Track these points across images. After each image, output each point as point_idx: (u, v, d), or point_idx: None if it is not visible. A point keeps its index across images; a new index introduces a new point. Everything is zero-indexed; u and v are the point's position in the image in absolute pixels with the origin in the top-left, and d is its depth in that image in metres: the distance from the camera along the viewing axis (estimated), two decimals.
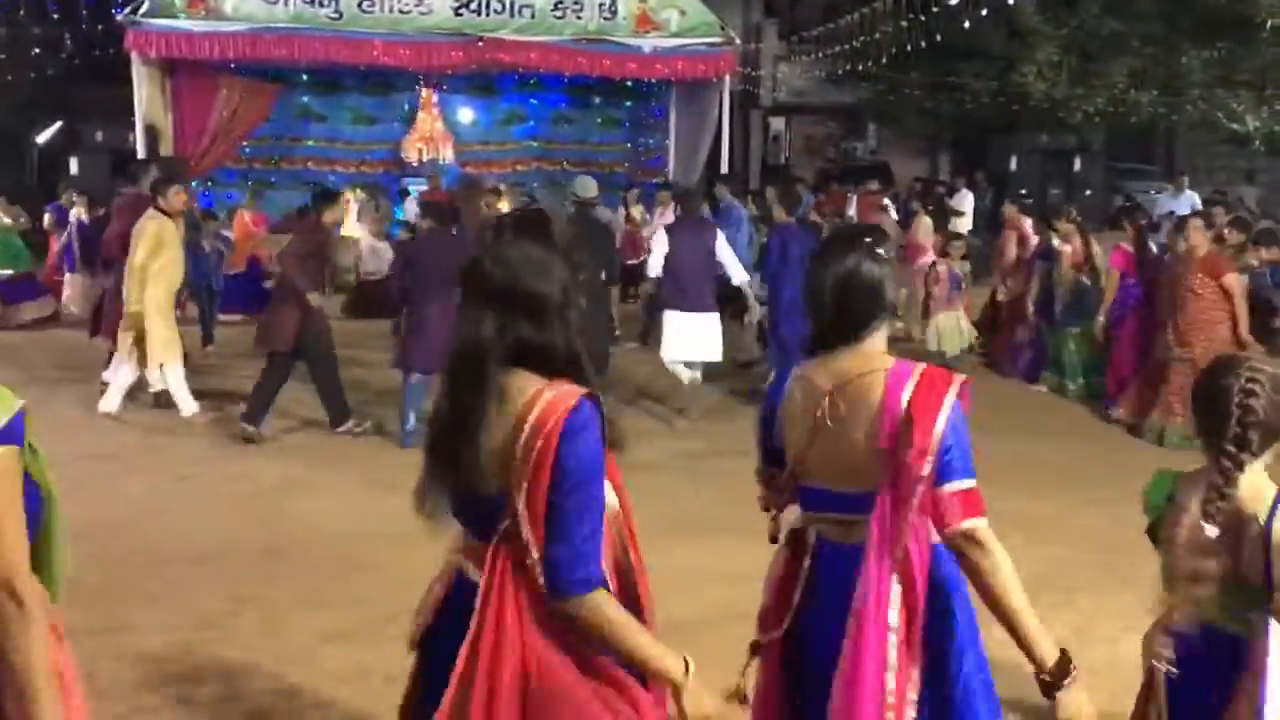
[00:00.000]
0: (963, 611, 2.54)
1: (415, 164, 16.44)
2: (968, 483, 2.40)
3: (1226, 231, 8.87)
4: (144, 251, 8.16)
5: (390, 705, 4.19)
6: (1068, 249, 9.53)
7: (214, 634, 4.80)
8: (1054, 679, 2.36)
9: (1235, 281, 7.88)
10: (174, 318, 8.56)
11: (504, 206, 12.62)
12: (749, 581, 5.62)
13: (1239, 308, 7.84)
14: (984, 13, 14.73)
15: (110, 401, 8.59)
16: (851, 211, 15.81)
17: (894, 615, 2.42)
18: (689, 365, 8.94)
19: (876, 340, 2.59)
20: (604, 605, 2.12)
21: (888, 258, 2.61)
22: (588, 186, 9.54)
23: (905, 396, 2.43)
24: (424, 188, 15.37)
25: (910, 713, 2.43)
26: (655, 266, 9.06)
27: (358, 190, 15.45)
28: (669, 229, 9.14)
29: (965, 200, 17.42)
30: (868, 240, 2.62)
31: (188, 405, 8.49)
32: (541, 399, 2.15)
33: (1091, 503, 6.81)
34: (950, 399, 2.43)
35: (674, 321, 8.82)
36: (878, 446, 2.44)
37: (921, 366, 2.51)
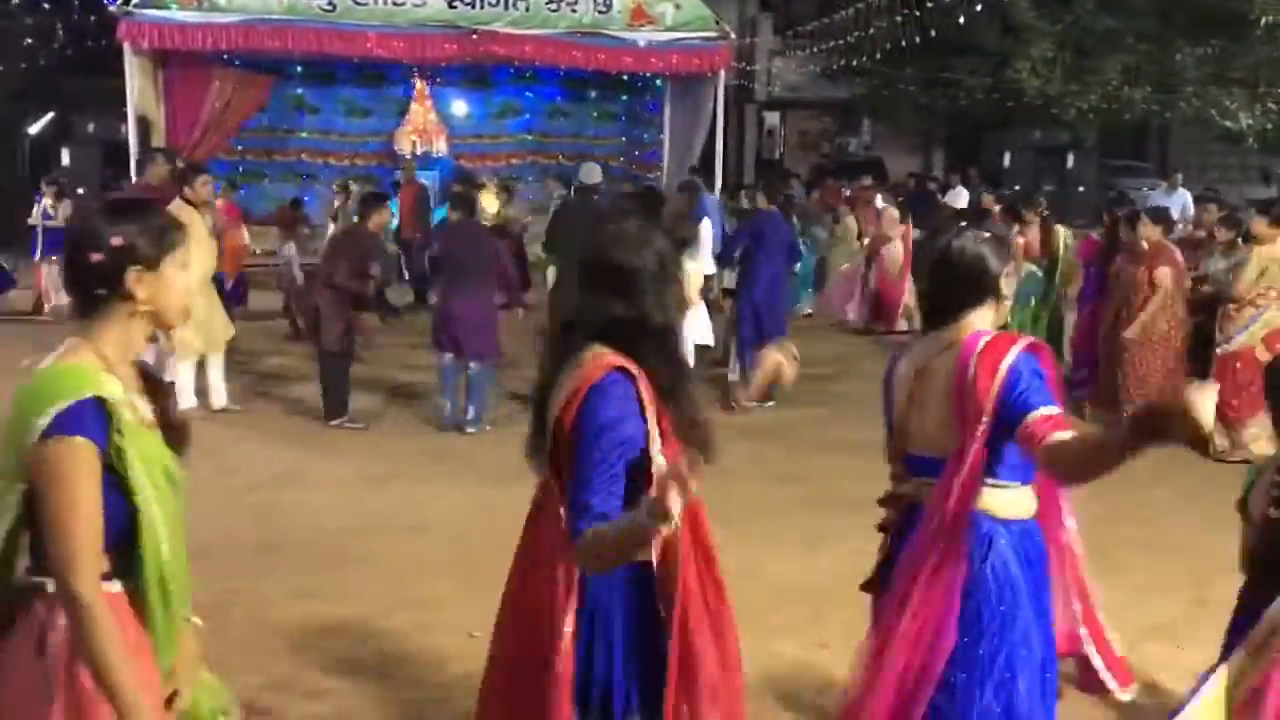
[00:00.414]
0: (997, 597, 2.61)
1: (409, 156, 16.42)
2: (1052, 409, 2.48)
3: (1216, 229, 8.90)
4: None
5: (383, 698, 4.21)
6: (1020, 240, 9.70)
7: (205, 626, 4.78)
8: (1145, 415, 2.20)
9: (1163, 276, 8.09)
10: (202, 311, 8.44)
11: (485, 201, 12.60)
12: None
13: (1155, 299, 8.07)
14: (978, 8, 14.75)
15: (220, 397, 8.55)
16: (844, 207, 15.84)
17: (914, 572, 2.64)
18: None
19: (975, 318, 2.69)
20: (590, 542, 2.17)
21: (987, 240, 2.72)
22: (591, 173, 9.66)
23: (973, 362, 2.56)
24: (441, 180, 15.32)
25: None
26: None
27: (351, 182, 15.42)
28: None
29: (960, 197, 17.41)
30: (964, 224, 2.77)
31: (187, 400, 8.47)
32: (588, 367, 2.25)
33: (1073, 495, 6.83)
34: (1010, 356, 2.54)
35: None
36: (950, 412, 2.60)
37: (991, 333, 2.64)
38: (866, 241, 13.28)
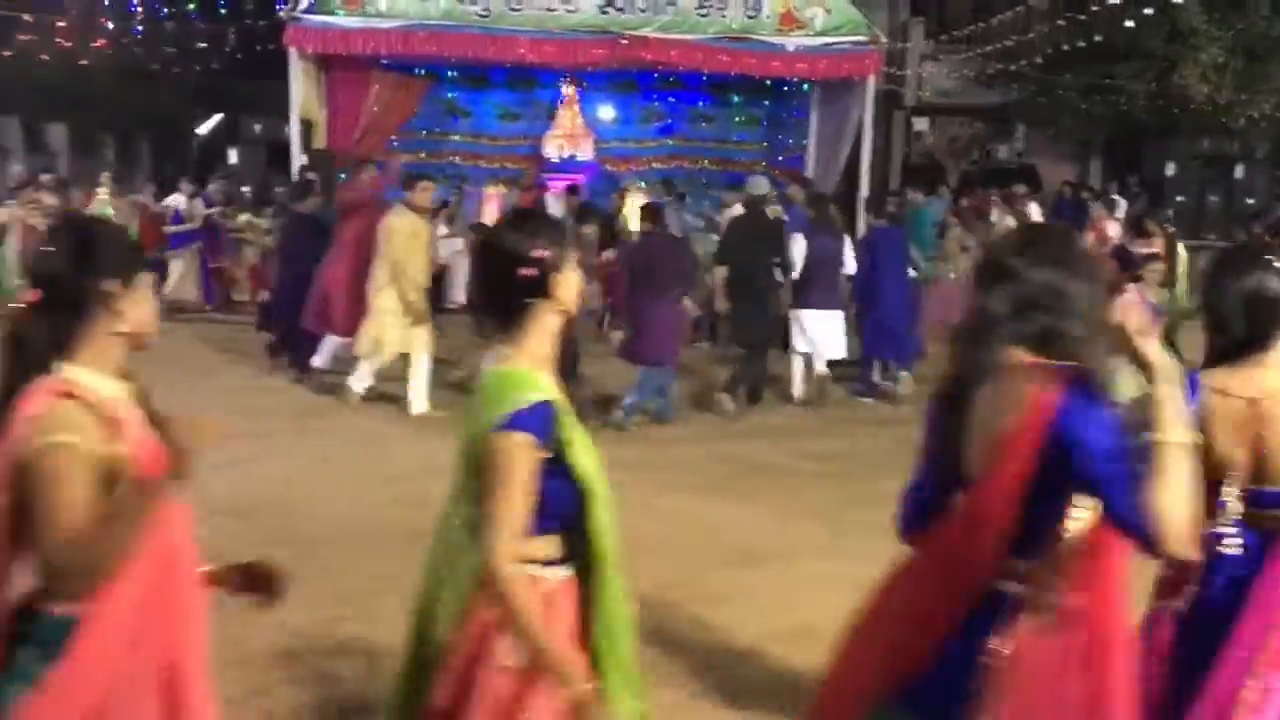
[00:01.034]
0: None
1: (556, 160, 16.63)
2: None
3: None
4: (399, 247, 8.26)
5: None
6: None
7: (356, 612, 4.93)
8: None
9: None
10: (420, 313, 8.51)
11: (628, 208, 12.65)
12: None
13: None
14: (1147, 12, 14.18)
15: (419, 403, 8.58)
16: (994, 216, 15.38)
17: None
18: (810, 359, 9.23)
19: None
20: (1150, 498, 2.09)
21: None
22: (759, 185, 9.77)
23: None
24: (565, 183, 15.50)
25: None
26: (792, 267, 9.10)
27: (500, 184, 15.71)
28: (806, 232, 9.19)
29: (1117, 208, 16.78)
30: (1268, 256, 2.89)
31: (359, 386, 8.71)
32: (1032, 379, 2.20)
33: None
34: None
35: (806, 319, 9.07)
36: None
37: None
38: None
